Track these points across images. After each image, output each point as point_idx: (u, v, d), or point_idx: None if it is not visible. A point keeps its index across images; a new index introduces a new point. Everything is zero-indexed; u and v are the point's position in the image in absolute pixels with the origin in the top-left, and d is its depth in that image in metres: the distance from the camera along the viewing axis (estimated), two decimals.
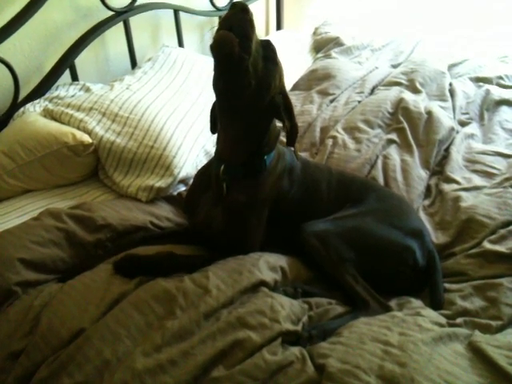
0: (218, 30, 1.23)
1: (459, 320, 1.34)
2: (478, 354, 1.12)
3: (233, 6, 1.22)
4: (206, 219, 1.51)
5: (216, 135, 1.52)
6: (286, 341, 1.18)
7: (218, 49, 1.24)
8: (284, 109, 1.42)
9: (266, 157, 1.47)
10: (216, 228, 1.48)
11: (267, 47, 1.33)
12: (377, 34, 3.22)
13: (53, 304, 1.24)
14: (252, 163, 1.47)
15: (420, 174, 1.95)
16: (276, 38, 3.16)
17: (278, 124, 1.49)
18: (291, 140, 1.47)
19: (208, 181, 1.53)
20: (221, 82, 1.33)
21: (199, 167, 1.76)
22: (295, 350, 1.14)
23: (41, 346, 1.15)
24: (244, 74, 1.26)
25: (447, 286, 1.49)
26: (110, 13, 2.15)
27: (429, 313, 1.34)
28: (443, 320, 1.32)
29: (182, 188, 1.86)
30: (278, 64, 1.38)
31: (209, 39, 2.18)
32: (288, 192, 1.55)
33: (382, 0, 3.40)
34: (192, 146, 1.89)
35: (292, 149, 1.55)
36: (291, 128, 1.45)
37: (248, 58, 1.24)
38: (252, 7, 3.13)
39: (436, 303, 1.44)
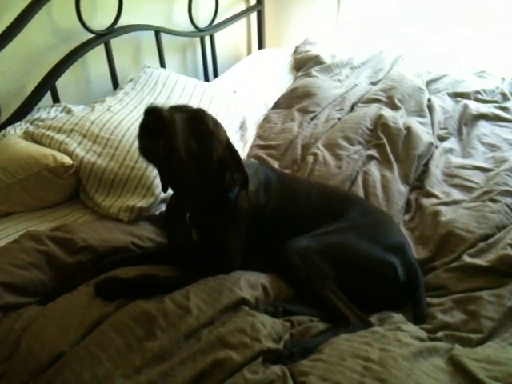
0: (138, 137, 1.27)
1: (440, 334, 1.35)
2: (458, 368, 1.13)
3: (146, 113, 1.24)
4: (183, 241, 1.52)
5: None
6: (267, 359, 1.18)
7: (146, 158, 1.29)
8: (232, 163, 1.42)
9: (229, 194, 1.46)
10: (193, 249, 1.49)
11: (196, 123, 1.32)
12: (357, 51, 3.26)
13: (33, 328, 1.23)
14: (216, 205, 1.47)
15: (400, 189, 1.97)
16: (257, 57, 3.21)
17: None
18: (244, 187, 1.45)
19: (180, 208, 1.54)
20: (163, 175, 1.41)
21: None
22: (276, 369, 1.14)
23: (20, 371, 1.15)
24: (180, 165, 1.28)
25: (428, 300, 1.50)
26: (91, 35, 2.16)
27: (409, 327, 1.35)
28: (424, 334, 1.33)
29: (164, 207, 1.86)
30: (213, 132, 1.36)
31: (191, 59, 2.16)
32: (265, 206, 1.56)
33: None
34: None
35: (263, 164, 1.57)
36: (242, 178, 1.43)
37: (178, 153, 1.25)
38: (234, 27, 3.21)
39: (419, 317, 1.44)
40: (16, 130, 1.85)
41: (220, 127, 1.42)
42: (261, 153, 2.27)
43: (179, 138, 1.25)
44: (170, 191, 1.57)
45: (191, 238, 1.49)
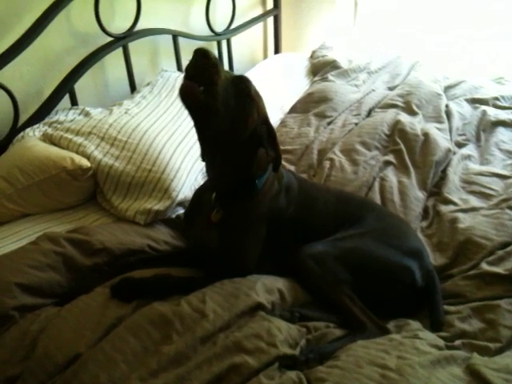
0: (183, 78, 1.27)
1: (457, 342, 1.34)
2: (476, 377, 1.12)
3: (194, 52, 1.25)
4: (201, 240, 1.53)
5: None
6: (283, 365, 1.17)
7: (183, 99, 1.27)
8: (267, 138, 1.43)
9: (257, 181, 1.48)
10: (212, 247, 1.49)
11: (240, 83, 1.34)
12: (374, 56, 3.25)
13: (49, 329, 1.23)
14: (243, 188, 1.48)
15: (417, 196, 1.96)
16: (274, 62, 3.21)
17: None
18: (276, 168, 1.47)
19: (203, 202, 1.55)
20: (195, 125, 1.38)
21: None
22: (292, 375, 1.14)
23: (37, 372, 1.15)
24: (214, 116, 1.29)
25: (445, 307, 1.49)
26: (109, 38, 2.18)
27: (427, 335, 1.34)
28: (441, 342, 1.31)
29: (181, 211, 1.86)
30: (254, 98, 1.38)
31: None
32: (285, 210, 1.55)
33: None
34: (190, 168, 1.90)
35: (287, 169, 1.57)
36: (275, 156, 1.44)
37: (214, 102, 1.26)
38: (250, 31, 3.21)
39: (436, 324, 1.43)
40: (34, 132, 1.86)
41: (261, 98, 1.43)
42: None
43: (220, 85, 1.26)
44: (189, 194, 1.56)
45: (211, 234, 1.49)
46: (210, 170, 1.51)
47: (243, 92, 1.34)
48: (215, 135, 1.36)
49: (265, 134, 1.42)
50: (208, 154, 1.46)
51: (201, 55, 1.24)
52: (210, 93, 1.25)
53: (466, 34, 3.19)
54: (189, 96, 1.26)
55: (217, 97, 1.26)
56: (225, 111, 1.29)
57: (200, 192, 1.65)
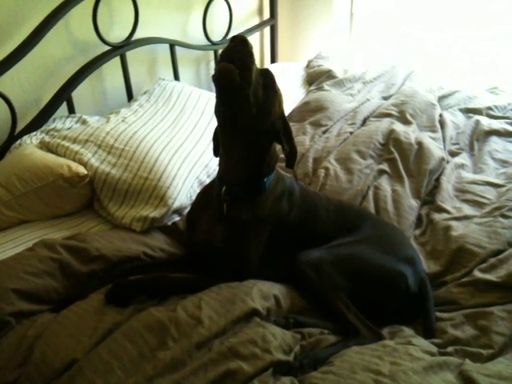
0: (219, 61, 1.31)
1: (450, 349, 1.35)
2: (469, 383, 1.13)
3: (233, 38, 1.30)
4: (207, 236, 1.54)
5: (218, 158, 1.58)
6: (277, 371, 1.18)
7: (220, 79, 1.31)
8: (283, 133, 1.49)
9: (265, 178, 1.51)
10: (216, 245, 1.51)
11: (266, 76, 1.41)
12: (369, 65, 3.27)
13: (46, 334, 1.24)
14: (252, 184, 1.51)
15: (411, 204, 1.97)
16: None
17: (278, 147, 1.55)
18: (291, 162, 1.53)
19: (210, 199, 1.57)
20: (223, 109, 1.40)
21: (193, 197, 1.82)
22: (286, 380, 1.14)
23: (34, 377, 1.15)
24: (244, 101, 1.34)
25: (438, 314, 1.50)
26: (107, 47, 2.20)
27: (420, 342, 1.35)
28: (434, 349, 1.32)
29: (177, 218, 1.87)
30: (277, 91, 1.45)
31: (205, 72, 2.15)
32: (287, 215, 1.57)
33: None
34: (186, 176, 1.91)
35: (289, 175, 1.58)
36: (290, 151, 1.50)
37: (248, 87, 1.31)
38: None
39: (428, 331, 1.44)
40: (32, 140, 1.87)
41: (281, 94, 1.50)
42: None
43: (254, 70, 1.32)
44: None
45: (216, 229, 1.51)
46: (224, 160, 1.53)
47: (269, 84, 1.41)
48: (239, 121, 1.39)
49: (281, 128, 1.48)
50: (226, 141, 1.48)
51: (239, 42, 1.29)
52: (244, 77, 1.30)
53: (466, 34, 3.23)
54: (226, 76, 1.29)
55: (250, 83, 1.32)
56: (254, 98, 1.34)
57: (205, 192, 1.67)
